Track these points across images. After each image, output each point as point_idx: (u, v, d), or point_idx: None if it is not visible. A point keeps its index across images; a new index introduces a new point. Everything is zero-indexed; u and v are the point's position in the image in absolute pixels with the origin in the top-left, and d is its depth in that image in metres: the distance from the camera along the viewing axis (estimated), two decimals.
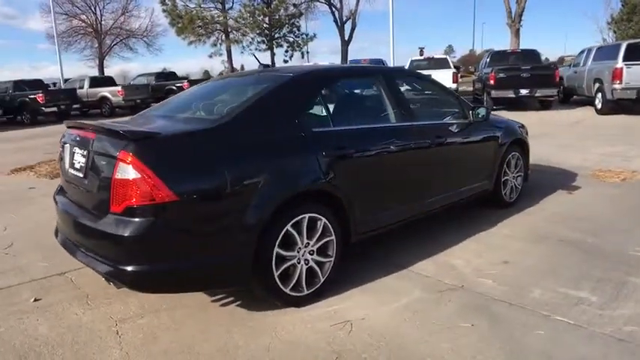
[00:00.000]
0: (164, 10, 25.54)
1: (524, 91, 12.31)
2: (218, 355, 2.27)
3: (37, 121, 16.59)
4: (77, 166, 2.62)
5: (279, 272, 2.56)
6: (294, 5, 26.44)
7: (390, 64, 21.89)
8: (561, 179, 5.46)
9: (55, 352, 2.33)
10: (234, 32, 26.05)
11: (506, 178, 4.40)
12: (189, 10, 25.13)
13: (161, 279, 2.30)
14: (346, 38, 28.46)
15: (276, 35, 26.74)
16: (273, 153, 2.55)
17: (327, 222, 2.76)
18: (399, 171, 3.23)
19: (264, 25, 26.10)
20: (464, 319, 2.53)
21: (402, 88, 3.52)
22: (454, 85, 14.06)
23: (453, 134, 3.70)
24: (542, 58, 15.88)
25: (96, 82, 21.61)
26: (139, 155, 2.18)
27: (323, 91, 2.94)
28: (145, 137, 2.27)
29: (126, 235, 2.18)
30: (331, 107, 2.98)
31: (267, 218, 2.44)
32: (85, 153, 2.53)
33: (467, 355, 2.22)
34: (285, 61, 27.33)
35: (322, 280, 2.80)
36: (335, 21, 27.99)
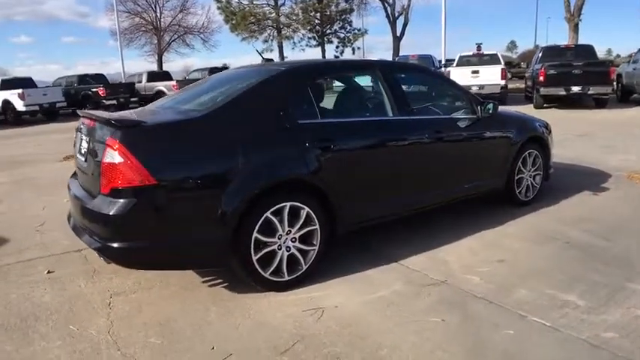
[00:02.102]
0: (219, 7, 26.47)
1: (575, 89, 11.61)
2: (189, 329, 2.43)
3: None
4: (82, 151, 2.87)
5: (257, 257, 2.68)
6: (346, 1, 26.45)
7: (442, 59, 21.43)
8: (591, 180, 5.16)
9: (50, 317, 2.59)
10: (286, 28, 26.49)
11: (520, 176, 4.24)
12: (242, 6, 25.86)
13: (143, 256, 2.48)
14: (398, 34, 28.07)
15: (328, 31, 26.89)
16: (253, 143, 2.65)
17: (310, 211, 2.83)
18: (391, 165, 3.23)
19: (316, 21, 26.33)
20: (436, 314, 2.52)
21: (403, 82, 3.50)
22: (502, 82, 13.51)
23: (456, 129, 3.63)
24: (614, 54, 14.67)
25: (153, 76, 22.78)
26: (124, 142, 2.37)
27: (312, 85, 3.01)
28: (130, 126, 2.46)
29: (111, 213, 2.38)
30: (321, 100, 3.04)
31: (245, 205, 2.56)
32: (87, 140, 2.77)
33: (426, 348, 2.22)
34: (336, 57, 27.45)
35: (305, 267, 2.88)
36: (387, 16, 27.69)
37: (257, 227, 2.64)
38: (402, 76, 3.62)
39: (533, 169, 4.37)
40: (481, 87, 13.55)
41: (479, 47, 23.54)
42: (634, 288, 2.73)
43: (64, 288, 2.95)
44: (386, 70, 3.34)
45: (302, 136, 2.79)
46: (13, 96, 15.16)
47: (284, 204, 2.72)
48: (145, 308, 2.68)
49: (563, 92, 11.70)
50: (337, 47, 26.38)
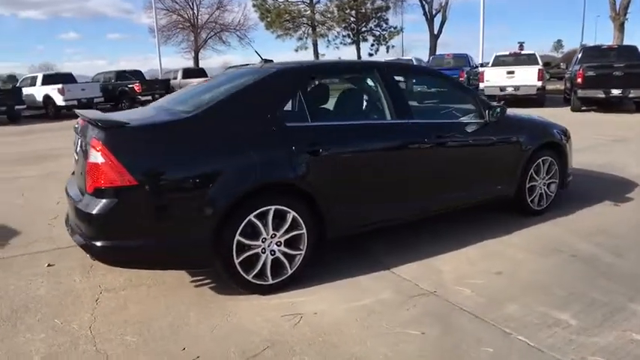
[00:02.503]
0: (254, 5, 26.81)
1: (615, 92, 10.99)
2: (167, 330, 2.45)
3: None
4: (77, 150, 2.96)
5: (240, 259, 2.67)
6: None
7: (479, 59, 20.85)
8: (616, 189, 4.87)
9: (39, 310, 2.68)
10: (320, 26, 26.52)
11: (532, 184, 4.05)
12: (277, 4, 26.07)
13: (125, 255, 2.53)
14: (435, 32, 27.53)
15: (363, 29, 26.72)
16: (237, 146, 2.65)
17: (296, 215, 2.80)
18: (387, 170, 3.15)
19: (351, 19, 26.21)
20: (417, 326, 2.43)
21: (405, 85, 3.41)
22: (539, 83, 12.98)
23: (460, 134, 3.50)
24: None
25: (188, 73, 23.31)
26: (106, 142, 2.42)
27: (303, 87, 2.97)
28: (114, 127, 2.51)
29: (94, 212, 2.43)
30: (314, 103, 2.99)
31: (227, 207, 2.56)
32: (79, 139, 2.84)
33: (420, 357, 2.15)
34: (370, 55, 27.23)
35: (290, 271, 2.86)
36: (425, 14, 27.21)
37: (239, 230, 2.63)
38: (405, 78, 3.52)
39: (547, 177, 4.16)
40: (516, 88, 13.11)
41: (521, 46, 22.71)
42: (635, 309, 2.54)
43: (60, 282, 3.06)
44: (385, 72, 3.25)
45: (289, 139, 2.76)
46: (53, 91, 15.88)
47: (268, 207, 2.70)
48: (130, 306, 2.73)
49: (602, 95, 11.12)
50: (372, 45, 26.19)
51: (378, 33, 25.58)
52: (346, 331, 2.40)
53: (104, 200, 2.43)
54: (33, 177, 6.46)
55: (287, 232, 2.80)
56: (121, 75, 19.94)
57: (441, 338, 2.33)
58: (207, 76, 24.10)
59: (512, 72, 13.06)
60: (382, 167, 3.13)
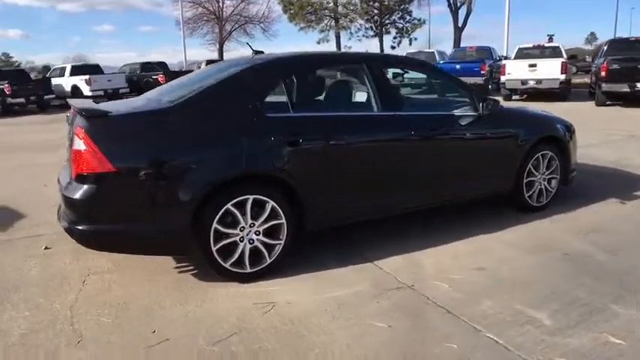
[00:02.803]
0: None
1: None
2: (142, 312, 2.53)
3: None
4: (68, 139, 3.05)
5: (217, 247, 2.72)
6: None
7: (504, 51, 20.32)
8: (625, 186, 4.70)
9: (27, 290, 2.81)
10: (343, 18, 26.35)
11: (531, 179, 3.94)
12: None
13: (103, 239, 2.62)
14: (460, 25, 26.91)
15: (386, 21, 26.40)
16: (216, 136, 2.69)
17: (275, 205, 2.82)
18: (371, 162, 3.13)
19: (375, 11, 25.93)
20: (385, 319, 2.42)
21: (392, 77, 3.36)
22: (562, 77, 12.56)
23: (450, 127, 3.44)
24: None
25: (211, 64, 23.60)
26: (88, 131, 2.50)
27: (286, 79, 2.97)
28: (96, 116, 2.58)
29: (75, 197, 2.52)
30: (296, 94, 3.00)
31: (203, 196, 2.60)
32: (69, 128, 2.94)
33: (359, 353, 2.15)
34: (393, 48, 26.91)
35: (269, 261, 2.89)
36: (449, 6, 26.61)
37: (217, 218, 2.68)
38: (394, 70, 3.47)
39: (547, 172, 4.05)
40: (538, 82, 12.74)
41: (550, 39, 22.05)
42: (616, 311, 2.46)
43: (52, 264, 3.18)
44: (373, 64, 3.21)
45: (268, 129, 2.78)
46: (81, 82, 16.38)
47: (247, 197, 2.74)
48: (114, 288, 2.83)
49: (626, 89, 10.69)
50: (395, 38, 25.86)
51: (401, 25, 25.20)
52: (314, 322, 2.42)
53: (85, 186, 2.51)
54: (47, 164, 6.69)
55: (266, 221, 2.83)
56: (146, 66, 20.41)
57: (407, 332, 2.32)
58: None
59: (534, 65, 12.68)
60: (365, 159, 3.11)
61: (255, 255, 2.86)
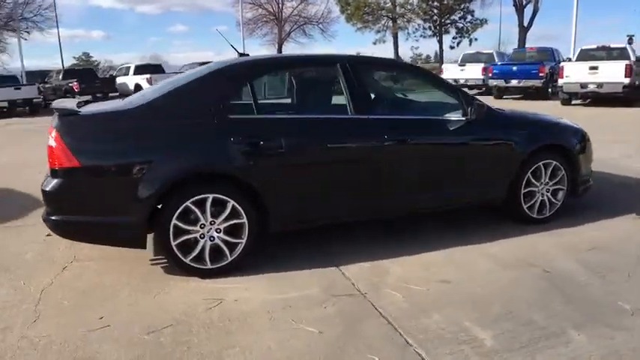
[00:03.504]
0: None
1: None
2: (99, 299, 2.70)
3: None
4: None
5: (176, 242, 2.83)
6: None
7: (570, 53, 18.98)
8: None
9: (15, 271, 3.10)
10: (400, 19, 25.97)
11: (530, 189, 3.69)
12: None
13: (70, 229, 2.83)
14: (525, 24, 25.51)
15: (447, 21, 25.66)
16: (177, 135, 2.80)
17: (236, 205, 2.89)
18: (336, 166, 3.09)
19: (434, 11, 25.30)
20: (320, 325, 2.40)
21: (371, 79, 3.30)
22: (626, 80, 11.50)
23: (431, 131, 3.31)
24: None
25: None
26: (58, 128, 2.71)
27: (252, 81, 3.01)
28: (66, 115, 2.78)
29: (47, 190, 2.75)
30: (263, 96, 3.04)
31: (160, 193, 2.73)
32: None
33: (277, 356, 2.16)
34: (452, 48, 26.12)
35: (230, 259, 2.96)
36: (514, 4, 25.33)
37: (176, 215, 2.79)
38: (371, 72, 3.40)
39: (551, 183, 3.76)
40: (599, 85, 11.78)
41: (630, 39, 20.29)
42: (573, 338, 2.25)
43: (47, 251, 3.46)
44: (347, 66, 3.17)
45: (229, 131, 2.85)
46: (142, 80, 17.55)
47: (206, 195, 2.83)
48: (88, 276, 3.04)
49: None
50: (454, 38, 25.02)
51: (462, 25, 24.32)
52: (250, 321, 2.45)
53: (55, 179, 2.73)
54: None
55: (226, 220, 2.90)
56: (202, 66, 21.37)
57: (336, 339, 2.28)
58: None
59: (595, 67, 11.72)
60: (331, 163, 3.08)
61: (217, 252, 2.94)
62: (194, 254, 2.89)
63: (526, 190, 3.68)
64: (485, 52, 19.09)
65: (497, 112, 3.59)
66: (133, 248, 2.92)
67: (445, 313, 2.49)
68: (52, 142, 2.72)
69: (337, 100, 3.16)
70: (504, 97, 15.69)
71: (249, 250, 3.02)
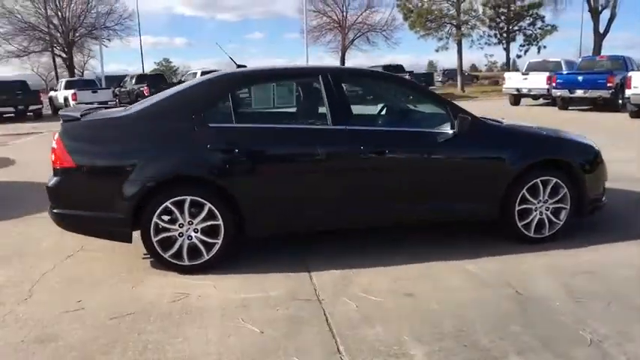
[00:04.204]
0: (397, 5, 26.82)
1: None
2: (87, 286, 3.02)
3: None
4: None
5: (157, 239, 3.09)
6: None
7: None
8: None
9: (28, 257, 3.54)
10: (464, 25, 25.24)
11: (525, 207, 3.53)
12: (420, 3, 25.64)
13: (68, 222, 3.18)
14: (601, 30, 23.70)
15: (515, 28, 24.57)
16: (160, 141, 3.07)
17: (212, 207, 3.09)
18: (312, 175, 3.19)
19: (502, 17, 24.34)
20: (265, 326, 2.51)
21: (357, 91, 3.37)
22: None
23: (412, 144, 3.30)
24: None
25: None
26: (60, 133, 3.09)
27: (234, 92, 3.21)
28: (67, 120, 3.15)
29: (49, 186, 3.13)
30: (244, 106, 3.22)
31: (143, 193, 3.00)
32: None
33: (213, 349, 2.30)
34: (519, 57, 24.93)
35: (206, 257, 3.16)
36: (590, 10, 23.64)
37: (157, 213, 3.05)
38: (354, 84, 3.45)
39: (551, 201, 3.57)
40: None
41: None
42: None
43: (61, 240, 3.82)
44: (329, 78, 3.25)
45: (207, 138, 3.06)
46: None
47: (184, 197, 3.06)
48: (88, 264, 3.40)
49: None
50: (522, 45, 23.82)
51: (530, 32, 23.08)
52: (204, 316, 2.62)
53: (56, 177, 3.11)
54: None
55: (204, 221, 3.11)
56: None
57: (272, 340, 2.38)
58: None
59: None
60: (306, 172, 3.18)
61: (194, 250, 3.16)
62: (173, 251, 3.12)
63: (521, 208, 3.53)
64: (552, 59, 18.00)
65: (488, 125, 3.49)
66: (119, 242, 3.22)
67: (390, 326, 2.50)
68: (54, 145, 3.09)
69: (317, 110, 3.27)
70: (569, 108, 14.74)
71: (226, 250, 3.20)
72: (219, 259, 3.20)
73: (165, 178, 3.03)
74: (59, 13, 27.06)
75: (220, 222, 3.12)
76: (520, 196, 3.50)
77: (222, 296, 2.87)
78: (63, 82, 19.97)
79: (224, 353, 2.28)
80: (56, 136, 3.10)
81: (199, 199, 3.08)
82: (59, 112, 3.29)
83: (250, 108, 3.43)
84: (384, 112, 3.61)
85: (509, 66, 24.78)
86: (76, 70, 32.03)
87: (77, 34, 27.70)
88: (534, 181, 3.50)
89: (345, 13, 32.60)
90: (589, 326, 2.47)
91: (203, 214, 3.10)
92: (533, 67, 17.52)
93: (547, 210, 3.59)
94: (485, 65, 32.38)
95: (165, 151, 3.06)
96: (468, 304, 2.75)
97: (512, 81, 17.51)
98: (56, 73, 30.00)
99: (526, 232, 3.58)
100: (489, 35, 24.25)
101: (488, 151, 3.42)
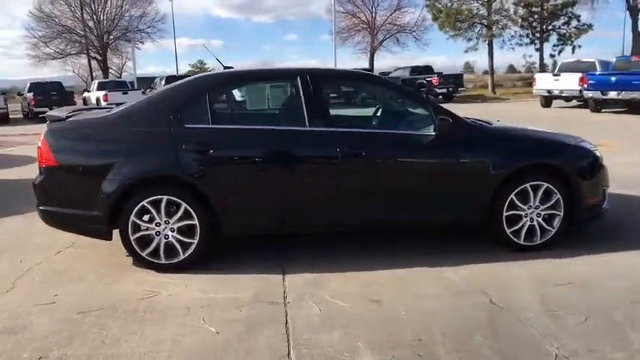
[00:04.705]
0: (427, 5, 26.43)
1: None
2: (66, 280, 3.12)
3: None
4: None
5: (134, 237, 3.15)
6: None
7: None
8: None
9: (24, 251, 3.69)
10: (495, 25, 24.59)
11: (514, 212, 3.38)
12: (450, 4, 25.17)
13: (53, 218, 3.28)
14: None
15: (549, 27, 23.70)
16: (137, 142, 3.13)
17: (188, 207, 3.13)
18: (286, 177, 3.18)
19: (535, 17, 23.54)
20: (223, 326, 2.51)
21: (337, 92, 3.33)
22: None
23: (390, 145, 3.23)
24: None
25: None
26: (46, 133, 3.20)
27: (211, 93, 3.23)
28: (53, 121, 3.26)
29: (35, 184, 3.25)
30: (221, 107, 3.24)
31: (119, 192, 3.07)
32: None
33: (164, 347, 2.32)
34: (552, 56, 24.06)
35: (183, 256, 3.20)
36: (628, 8, 22.54)
37: (134, 212, 3.11)
38: (334, 85, 3.41)
39: (543, 207, 3.41)
40: None
41: None
42: None
43: (57, 236, 3.84)
44: (307, 79, 3.23)
45: (182, 138, 3.10)
46: None
47: (161, 196, 3.11)
48: (71, 260, 3.51)
49: None
50: (555, 45, 22.91)
51: (564, 31, 22.15)
52: (167, 315, 2.65)
53: (41, 175, 3.22)
54: None
55: (180, 220, 3.15)
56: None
57: (225, 341, 2.38)
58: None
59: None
60: (281, 173, 3.17)
61: (171, 249, 3.20)
62: (150, 249, 3.18)
63: (509, 214, 3.39)
64: (586, 60, 17.24)
65: (473, 127, 3.37)
66: (99, 239, 3.31)
67: (348, 332, 2.45)
68: (41, 144, 3.21)
69: (295, 112, 3.25)
70: (602, 110, 14.09)
71: (202, 250, 3.23)
72: (196, 259, 3.23)
73: (142, 178, 3.09)
74: (94, 17, 28.23)
75: (196, 221, 3.15)
76: (508, 201, 3.36)
77: (191, 296, 2.90)
78: (95, 83, 20.79)
79: (175, 352, 2.30)
80: (42, 136, 3.22)
81: (175, 199, 3.12)
82: (46, 114, 3.42)
83: (229, 109, 3.45)
84: (365, 114, 3.55)
85: (542, 67, 23.91)
86: (114, 72, 33.27)
87: (111, 37, 28.81)
88: (523, 185, 3.36)
89: (374, 14, 32.46)
90: (559, 340, 2.34)
91: (179, 214, 3.14)
92: (566, 68, 16.83)
93: (538, 216, 3.43)
94: (523, 66, 31.38)
95: (143, 152, 3.12)
96: (436, 312, 2.66)
97: (543, 82, 16.90)
98: (91, 74, 31.31)
99: (515, 240, 3.44)
100: (521, 35, 23.49)
101: (472, 154, 3.30)
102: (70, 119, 3.33)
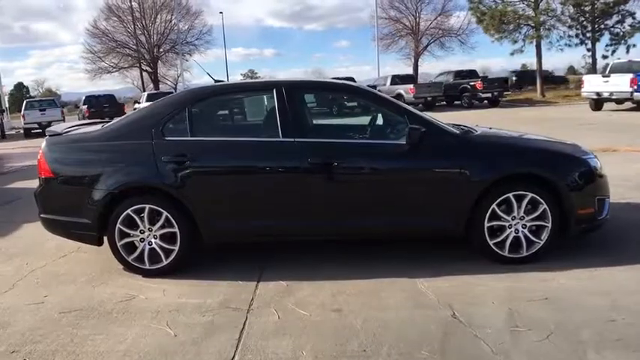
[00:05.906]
0: (470, 8, 25.78)
1: None
2: (59, 283, 3.38)
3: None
4: None
5: (121, 243, 3.36)
6: None
7: None
8: None
9: (32, 255, 4.01)
10: (542, 26, 23.54)
11: (497, 223, 3.28)
12: (494, 5, 24.42)
13: (51, 226, 3.56)
14: None
15: (602, 26, 22.38)
16: (123, 154, 3.35)
17: (169, 215, 3.30)
18: (261, 187, 3.28)
19: (585, 16, 22.33)
20: (181, 329, 2.64)
21: (313, 102, 3.39)
22: None
23: (362, 154, 3.25)
24: None
25: (396, 79, 24.47)
26: (44, 147, 3.50)
27: (192, 107, 3.39)
28: (52, 135, 3.55)
29: (35, 193, 3.55)
30: (201, 120, 3.39)
31: (106, 201, 3.29)
32: None
33: (123, 347, 2.47)
34: (604, 57, 22.64)
35: (165, 262, 3.37)
36: None
37: (120, 220, 3.32)
38: (310, 96, 3.46)
39: (529, 218, 3.28)
40: None
41: None
42: None
43: (64, 242, 4.09)
44: (282, 91, 3.31)
45: (162, 151, 3.28)
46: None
47: (143, 205, 3.30)
48: (71, 264, 3.78)
49: None
50: (608, 45, 21.51)
51: (618, 30, 20.75)
52: (136, 317, 2.81)
53: (40, 185, 3.52)
54: None
55: (161, 228, 3.33)
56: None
57: (180, 344, 2.50)
58: (415, 82, 24.74)
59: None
60: (255, 183, 3.27)
61: (156, 255, 3.39)
62: (135, 255, 3.38)
63: (492, 224, 3.29)
64: (638, 60, 16.12)
65: (450, 135, 3.31)
66: (89, 245, 3.55)
67: (297, 340, 2.50)
68: (39, 157, 3.51)
69: (270, 123, 3.34)
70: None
71: (184, 256, 3.39)
72: (178, 265, 3.39)
73: (126, 187, 3.30)
74: (145, 32, 29.98)
75: (177, 229, 3.31)
76: (490, 211, 3.27)
77: (165, 300, 3.05)
78: (145, 95, 22.02)
79: (130, 351, 2.44)
80: (41, 149, 3.53)
81: (157, 208, 3.30)
82: (46, 129, 3.73)
83: (208, 122, 3.60)
84: (343, 123, 3.58)
85: (594, 67, 22.54)
86: (170, 83, 35.01)
87: (161, 50, 30.45)
88: (506, 195, 3.25)
89: (417, 19, 32.03)
90: (508, 358, 2.26)
91: (161, 222, 3.32)
92: (617, 69, 15.80)
93: (524, 228, 3.30)
94: (583, 67, 29.77)
95: (127, 163, 3.33)
96: (393, 324, 2.64)
97: (592, 84, 15.94)
98: (143, 86, 33.19)
99: (499, 251, 3.33)
100: (570, 36, 22.28)
101: (448, 163, 3.24)
102: (66, 134, 3.62)
